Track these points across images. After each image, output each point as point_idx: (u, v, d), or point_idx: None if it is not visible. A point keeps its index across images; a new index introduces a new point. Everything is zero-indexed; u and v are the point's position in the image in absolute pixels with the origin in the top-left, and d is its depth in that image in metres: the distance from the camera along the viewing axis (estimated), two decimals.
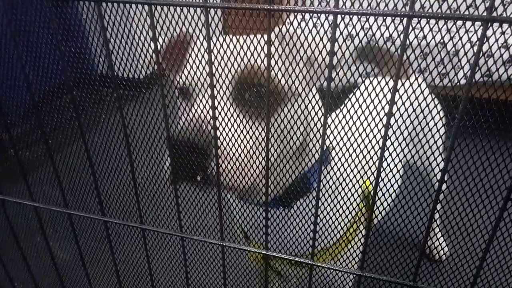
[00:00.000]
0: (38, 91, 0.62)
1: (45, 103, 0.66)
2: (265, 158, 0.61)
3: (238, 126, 0.57)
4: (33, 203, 0.69)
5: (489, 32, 0.37)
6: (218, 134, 0.56)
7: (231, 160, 0.59)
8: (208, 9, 0.41)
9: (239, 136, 0.59)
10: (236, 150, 0.59)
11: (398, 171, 0.89)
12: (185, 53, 0.68)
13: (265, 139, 0.60)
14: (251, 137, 0.60)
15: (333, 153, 0.71)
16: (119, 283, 0.75)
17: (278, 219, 0.74)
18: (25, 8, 0.60)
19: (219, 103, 0.61)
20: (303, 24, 0.42)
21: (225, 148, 0.58)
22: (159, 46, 0.67)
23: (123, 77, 0.51)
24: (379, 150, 0.45)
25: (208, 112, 0.58)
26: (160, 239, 0.72)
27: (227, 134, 0.58)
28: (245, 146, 0.60)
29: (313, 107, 0.52)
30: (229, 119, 0.60)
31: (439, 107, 1.02)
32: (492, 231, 0.45)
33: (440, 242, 1.53)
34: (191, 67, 0.61)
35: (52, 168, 0.65)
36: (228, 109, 0.62)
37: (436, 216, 1.42)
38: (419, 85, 0.44)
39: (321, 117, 0.47)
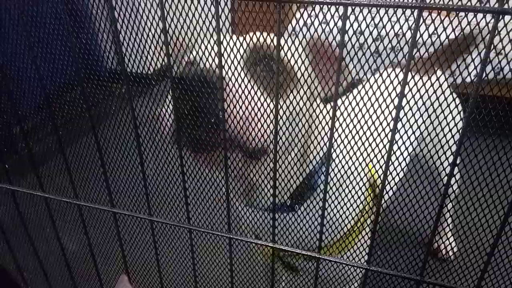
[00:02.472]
0: (50, 83, 0.62)
1: (56, 97, 0.67)
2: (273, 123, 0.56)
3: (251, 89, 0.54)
4: (43, 194, 0.70)
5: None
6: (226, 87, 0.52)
7: (240, 109, 0.53)
8: (219, 0, 0.41)
9: (249, 92, 0.54)
10: (246, 98, 0.53)
11: (405, 162, 0.89)
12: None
13: (274, 111, 0.55)
14: (262, 103, 0.56)
15: (338, 146, 0.71)
16: (127, 274, 0.76)
17: (286, 218, 0.74)
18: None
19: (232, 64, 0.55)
20: (312, 19, 0.42)
21: (234, 95, 0.53)
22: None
23: (131, 71, 0.51)
24: (386, 142, 0.45)
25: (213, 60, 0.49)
26: (168, 231, 0.72)
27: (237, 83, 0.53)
28: (255, 105, 0.55)
29: (316, 101, 0.51)
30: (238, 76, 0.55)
31: (457, 101, 1.00)
32: (500, 226, 0.45)
33: (449, 237, 1.50)
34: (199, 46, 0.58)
35: (63, 159, 0.66)
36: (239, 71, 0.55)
37: (448, 215, 1.40)
38: (429, 78, 0.44)
39: (329, 110, 0.47)
